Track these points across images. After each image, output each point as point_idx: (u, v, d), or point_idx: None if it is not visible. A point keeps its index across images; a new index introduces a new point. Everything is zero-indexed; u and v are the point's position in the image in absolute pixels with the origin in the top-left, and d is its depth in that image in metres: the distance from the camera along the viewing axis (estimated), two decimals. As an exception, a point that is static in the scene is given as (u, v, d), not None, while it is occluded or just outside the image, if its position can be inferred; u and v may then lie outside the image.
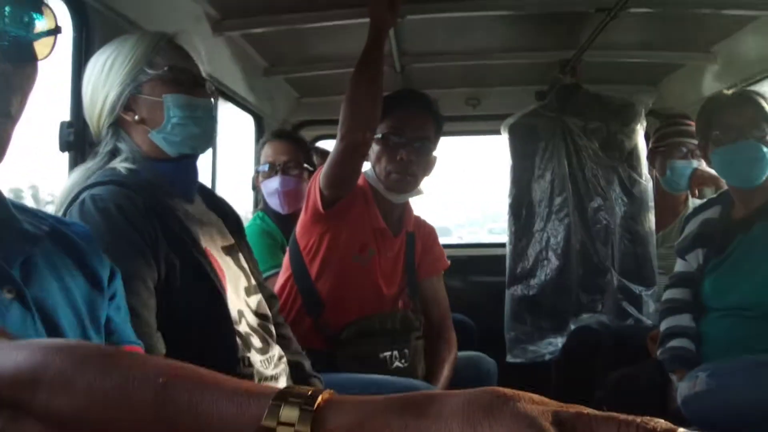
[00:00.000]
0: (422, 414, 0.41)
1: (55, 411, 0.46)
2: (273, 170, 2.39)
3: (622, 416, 0.37)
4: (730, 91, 1.93)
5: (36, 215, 0.80)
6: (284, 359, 1.45)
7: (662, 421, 0.37)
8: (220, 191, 2.20)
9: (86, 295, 0.81)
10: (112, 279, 0.88)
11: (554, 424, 0.38)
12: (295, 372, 1.48)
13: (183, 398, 0.46)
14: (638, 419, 0.37)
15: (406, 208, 2.08)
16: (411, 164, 1.92)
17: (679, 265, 2.07)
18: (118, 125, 1.33)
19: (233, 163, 2.93)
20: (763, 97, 1.83)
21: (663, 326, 1.97)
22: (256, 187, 2.71)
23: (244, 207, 3.01)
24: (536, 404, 0.39)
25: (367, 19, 1.87)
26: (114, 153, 1.34)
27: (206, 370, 0.49)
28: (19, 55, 0.66)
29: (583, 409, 0.39)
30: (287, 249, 2.02)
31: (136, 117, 1.33)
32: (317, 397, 0.44)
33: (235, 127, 2.95)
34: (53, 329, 0.71)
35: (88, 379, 0.47)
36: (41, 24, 0.68)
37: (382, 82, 1.77)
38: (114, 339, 0.85)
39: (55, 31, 0.69)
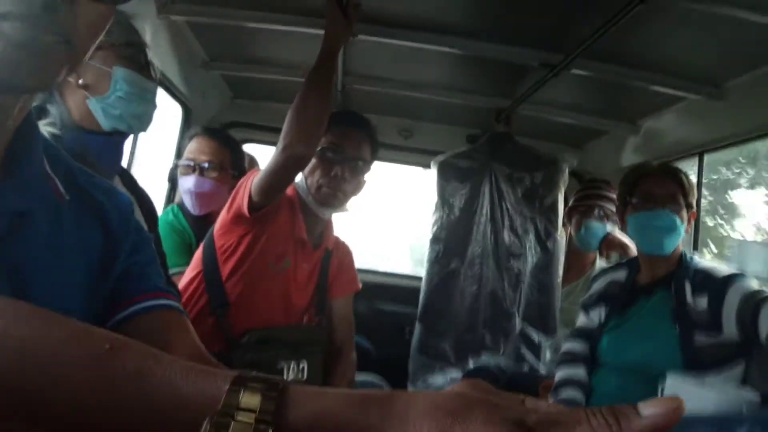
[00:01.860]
0: (386, 413, 0.39)
1: None
2: (191, 168, 2.27)
3: (588, 410, 0.38)
4: (655, 162, 2.03)
5: (72, 176, 0.78)
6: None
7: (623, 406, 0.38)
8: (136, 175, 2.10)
9: (98, 253, 0.77)
10: (139, 240, 0.84)
11: (524, 426, 0.37)
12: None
13: (130, 368, 0.43)
14: (602, 409, 0.37)
15: (329, 224, 2.07)
16: (344, 181, 1.90)
17: (582, 320, 2.14)
18: None
19: (152, 149, 2.81)
20: (685, 175, 1.95)
21: (558, 375, 2.03)
22: (172, 180, 2.60)
23: (156, 197, 2.87)
24: (505, 408, 0.38)
25: (316, 30, 1.86)
26: (40, 114, 1.27)
27: (154, 348, 0.46)
28: None
29: (543, 405, 0.39)
30: (200, 246, 1.94)
31: (80, 81, 1.29)
32: (279, 384, 0.42)
33: (161, 115, 2.83)
34: (21, 283, 0.66)
35: (22, 334, 0.43)
36: None
37: (332, 97, 1.76)
38: (132, 286, 0.80)
39: None
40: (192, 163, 2.27)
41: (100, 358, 0.43)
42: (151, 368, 0.43)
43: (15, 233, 0.66)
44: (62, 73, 0.62)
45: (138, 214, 1.32)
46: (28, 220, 0.68)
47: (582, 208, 2.71)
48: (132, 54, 1.36)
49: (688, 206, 1.92)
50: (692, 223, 1.97)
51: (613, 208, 2.33)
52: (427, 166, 2.90)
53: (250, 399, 0.41)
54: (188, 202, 2.29)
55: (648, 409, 0.38)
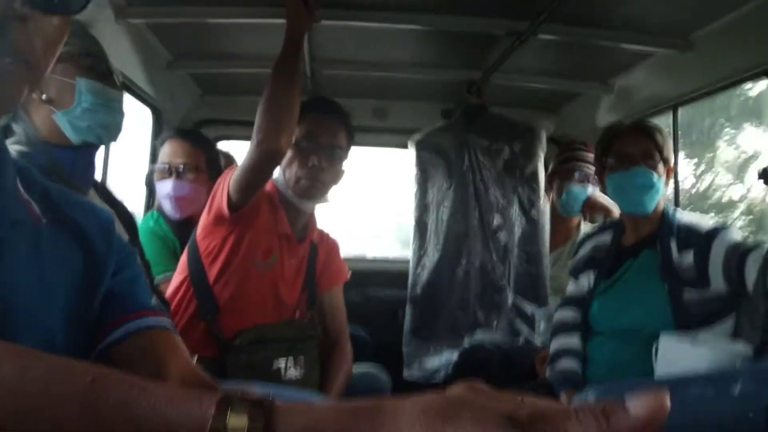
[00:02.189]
0: (376, 423, 0.39)
1: None
2: (168, 172, 2.25)
3: (576, 407, 0.38)
4: (627, 121, 2.03)
5: (48, 197, 0.76)
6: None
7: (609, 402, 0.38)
8: (112, 186, 2.07)
9: (80, 276, 0.75)
10: (123, 257, 0.83)
11: (516, 424, 0.37)
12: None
13: (115, 398, 0.42)
14: (591, 406, 0.38)
15: (312, 217, 2.06)
16: (322, 171, 1.89)
17: (571, 286, 2.15)
18: None
19: (126, 156, 2.77)
20: (658, 129, 1.95)
21: (552, 346, 2.04)
22: (149, 185, 2.57)
23: (135, 204, 2.84)
24: (492, 407, 0.38)
25: (278, 20, 1.83)
26: (5, 133, 1.25)
27: (134, 375, 0.45)
28: (49, 4, 0.61)
29: (540, 403, 0.39)
30: (185, 250, 1.93)
31: (44, 96, 1.27)
32: (264, 403, 0.41)
33: (131, 120, 2.78)
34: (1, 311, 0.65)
35: (2, 373, 0.43)
36: None
37: (300, 86, 1.74)
38: (118, 307, 0.79)
39: None
40: (167, 167, 2.25)
41: (84, 391, 0.43)
42: (135, 398, 0.43)
43: None
44: (24, 93, 0.61)
45: (118, 227, 1.31)
46: (4, 247, 0.66)
47: (561, 173, 2.71)
48: (93, 63, 1.34)
49: (664, 161, 1.92)
50: (670, 177, 1.98)
51: (593, 170, 2.33)
52: (404, 146, 2.88)
53: (237, 421, 0.41)
54: (168, 207, 2.27)
55: (636, 405, 0.38)
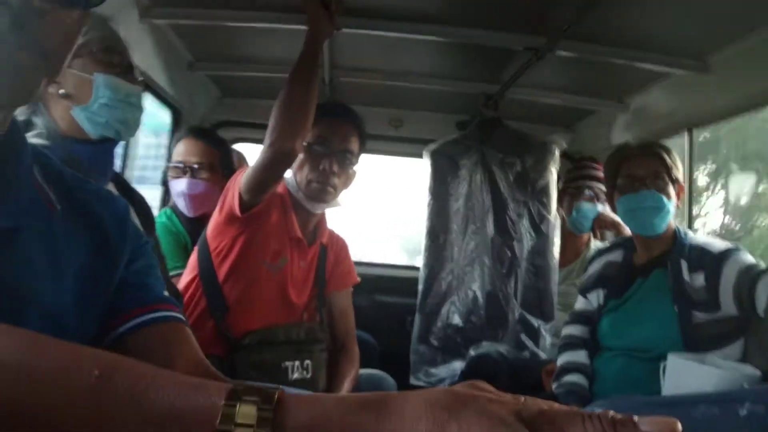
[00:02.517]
0: (382, 414, 0.40)
1: None
2: (182, 170, 2.28)
3: (583, 410, 0.38)
4: (635, 143, 2.03)
5: (65, 184, 0.77)
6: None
7: (618, 414, 0.38)
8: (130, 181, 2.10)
9: (94, 264, 0.76)
10: (138, 247, 0.84)
11: (519, 421, 0.38)
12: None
13: (123, 390, 0.43)
14: (602, 412, 0.38)
15: (322, 219, 2.06)
16: (333, 175, 1.90)
17: (580, 303, 2.15)
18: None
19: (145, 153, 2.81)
20: (667, 150, 1.94)
21: (560, 361, 2.04)
22: (165, 183, 2.60)
23: (152, 200, 2.87)
24: (497, 402, 0.39)
25: (300, 26, 1.85)
26: (26, 127, 1.26)
27: (147, 364, 0.46)
28: None
29: (543, 404, 0.40)
30: (195, 249, 1.94)
31: (61, 91, 1.27)
32: (273, 395, 0.42)
33: (150, 118, 2.82)
34: (9, 298, 0.65)
35: (17, 360, 0.43)
36: None
37: (316, 92, 1.75)
38: (132, 297, 0.80)
39: None
40: (182, 165, 2.28)
41: (91, 387, 0.43)
42: (143, 390, 0.43)
43: (6, 249, 0.66)
44: (41, 86, 0.62)
45: (134, 219, 1.31)
46: (19, 235, 0.67)
47: (571, 191, 2.72)
48: (112, 59, 1.33)
49: (674, 181, 1.92)
50: (681, 197, 1.98)
51: (603, 187, 2.32)
52: (419, 155, 2.89)
53: (246, 411, 0.41)
54: (182, 205, 2.29)
55: (646, 423, 0.38)
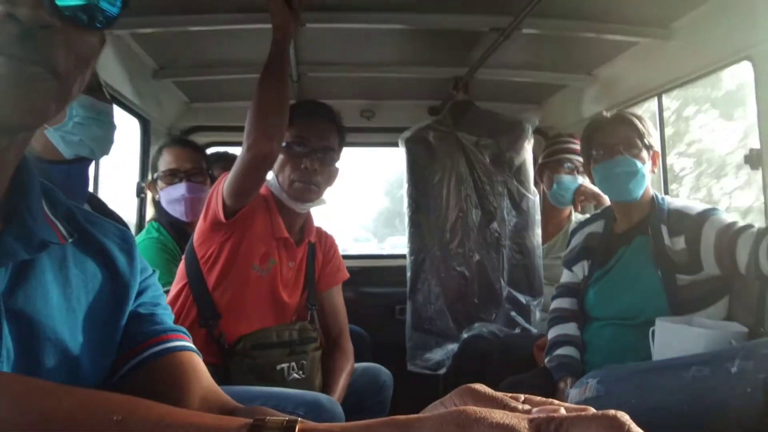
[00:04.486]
0: None
1: None
2: (176, 177, 2.31)
3: (591, 413, 0.39)
4: (607, 113, 2.06)
5: (73, 217, 0.77)
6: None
7: (624, 414, 0.39)
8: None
9: (105, 296, 0.76)
10: (146, 278, 0.84)
11: (531, 429, 0.38)
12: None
13: None
14: (610, 413, 0.38)
15: (308, 218, 2.06)
16: (315, 173, 1.89)
17: (566, 276, 2.17)
18: None
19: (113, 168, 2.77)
20: (638, 118, 1.98)
21: (550, 335, 2.06)
22: (142, 195, 2.58)
23: (126, 215, 2.83)
24: (508, 414, 0.39)
25: (263, 25, 1.83)
26: None
27: (162, 405, 0.46)
28: (85, 18, 0.62)
29: (554, 410, 0.40)
30: (182, 258, 1.93)
31: None
32: (294, 427, 0.42)
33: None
34: (28, 333, 0.65)
35: (34, 410, 0.43)
36: None
37: (289, 89, 1.74)
38: (143, 329, 0.80)
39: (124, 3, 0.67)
40: (174, 172, 2.32)
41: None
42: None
43: (21, 282, 0.65)
44: (52, 108, 0.61)
45: None
46: (32, 268, 0.67)
47: (551, 165, 2.74)
48: None
49: (648, 147, 1.95)
50: (656, 163, 2.01)
51: (581, 160, 2.36)
52: (394, 144, 2.89)
53: None
54: (179, 210, 2.31)
55: None
